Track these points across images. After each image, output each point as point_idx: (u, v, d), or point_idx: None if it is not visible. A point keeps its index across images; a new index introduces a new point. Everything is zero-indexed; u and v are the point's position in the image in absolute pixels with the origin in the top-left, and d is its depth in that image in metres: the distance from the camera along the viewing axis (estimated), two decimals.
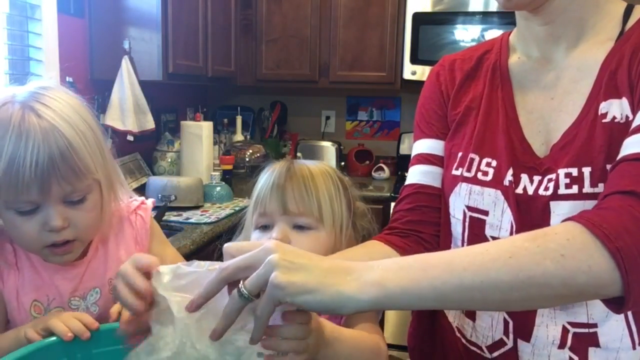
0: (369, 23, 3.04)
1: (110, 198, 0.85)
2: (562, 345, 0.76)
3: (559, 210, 0.73)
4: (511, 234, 0.78)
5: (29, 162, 0.71)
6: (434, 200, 0.90)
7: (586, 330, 0.75)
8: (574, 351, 0.75)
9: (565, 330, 0.75)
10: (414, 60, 2.90)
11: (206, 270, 0.61)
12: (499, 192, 0.79)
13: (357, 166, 3.35)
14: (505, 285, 0.57)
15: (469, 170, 0.83)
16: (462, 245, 0.85)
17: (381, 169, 3.26)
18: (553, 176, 0.75)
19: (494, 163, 0.81)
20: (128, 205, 0.94)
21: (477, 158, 0.83)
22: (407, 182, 0.94)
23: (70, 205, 0.77)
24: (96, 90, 2.42)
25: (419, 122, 0.95)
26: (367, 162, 3.36)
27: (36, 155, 0.71)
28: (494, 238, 0.80)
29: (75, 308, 0.83)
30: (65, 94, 0.80)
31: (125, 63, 2.29)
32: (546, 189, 0.75)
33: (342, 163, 3.36)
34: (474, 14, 2.81)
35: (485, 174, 0.81)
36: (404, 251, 0.86)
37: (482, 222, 0.81)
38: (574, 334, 0.75)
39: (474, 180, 0.82)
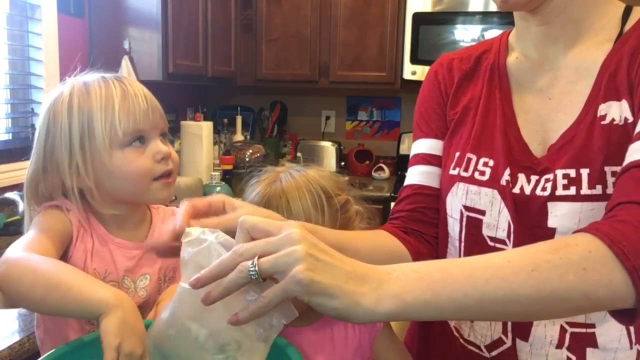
0: (369, 23, 3.04)
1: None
2: (559, 345, 0.76)
3: (557, 211, 0.73)
4: (508, 233, 0.78)
5: (140, 95, 0.85)
6: (434, 201, 0.90)
7: (584, 330, 0.75)
8: (571, 351, 0.75)
9: (563, 330, 0.75)
10: (414, 60, 2.90)
11: (216, 243, 0.59)
12: (495, 191, 0.79)
13: (357, 166, 3.35)
14: (526, 299, 0.56)
15: (466, 170, 0.83)
16: (460, 245, 0.85)
17: (381, 169, 3.26)
18: (550, 176, 0.74)
19: (491, 163, 0.81)
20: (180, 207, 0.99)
21: (474, 158, 0.83)
22: (406, 183, 0.94)
23: (164, 142, 0.89)
24: None
25: (418, 121, 0.95)
26: (367, 162, 3.36)
27: (142, 91, 0.86)
28: (491, 238, 0.80)
29: (127, 288, 0.87)
30: None
31: (125, 63, 2.29)
32: (543, 189, 0.75)
33: (342, 163, 3.36)
34: (474, 14, 2.81)
35: (482, 173, 0.81)
36: (408, 244, 0.86)
37: (479, 222, 0.81)
38: (572, 334, 0.75)
39: (471, 180, 0.82)
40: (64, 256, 0.83)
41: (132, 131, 0.83)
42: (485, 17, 2.79)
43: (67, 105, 0.83)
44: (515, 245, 0.77)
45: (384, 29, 3.02)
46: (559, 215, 0.73)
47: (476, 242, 0.82)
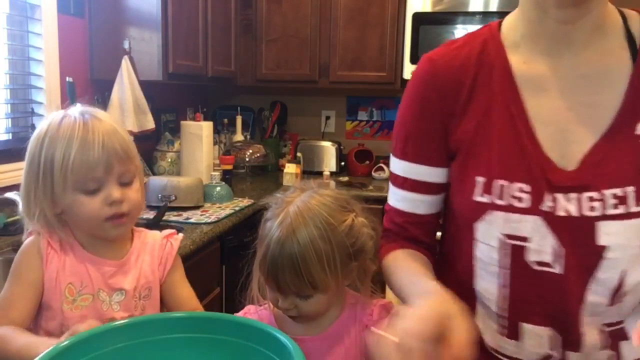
0: (369, 23, 3.04)
1: (143, 186, 1.02)
2: (604, 347, 0.79)
3: (607, 229, 0.74)
4: (555, 256, 0.77)
5: (97, 144, 0.89)
6: (420, 227, 0.91)
7: (616, 327, 0.79)
8: (611, 348, 0.80)
9: (603, 333, 0.79)
10: (414, 60, 2.90)
11: None
12: (539, 218, 0.77)
13: (357, 166, 3.35)
14: None
15: (500, 197, 0.79)
16: (500, 271, 0.81)
17: (381, 169, 3.26)
18: (594, 194, 0.74)
19: (526, 187, 0.77)
20: (162, 232, 1.07)
21: (506, 184, 0.78)
22: (390, 202, 0.93)
23: (123, 186, 0.94)
24: (96, 90, 2.42)
25: (407, 138, 0.88)
26: (367, 162, 3.37)
27: (102, 140, 0.90)
28: (537, 262, 0.78)
29: (102, 301, 0.94)
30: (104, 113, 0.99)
31: (125, 63, 2.29)
32: (591, 209, 0.74)
33: (342, 163, 3.37)
34: (474, 14, 2.81)
35: (520, 200, 0.78)
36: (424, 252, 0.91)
37: (522, 249, 0.78)
38: (609, 332, 0.79)
39: (509, 208, 0.78)
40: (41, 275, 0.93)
41: (83, 179, 0.90)
42: (485, 17, 2.79)
43: (41, 139, 0.91)
44: (566, 267, 0.76)
45: (384, 29, 3.02)
46: (610, 233, 0.74)
47: (522, 268, 0.79)
